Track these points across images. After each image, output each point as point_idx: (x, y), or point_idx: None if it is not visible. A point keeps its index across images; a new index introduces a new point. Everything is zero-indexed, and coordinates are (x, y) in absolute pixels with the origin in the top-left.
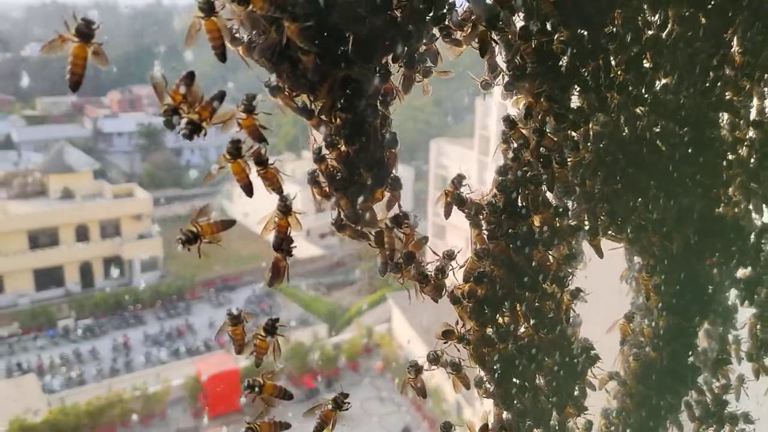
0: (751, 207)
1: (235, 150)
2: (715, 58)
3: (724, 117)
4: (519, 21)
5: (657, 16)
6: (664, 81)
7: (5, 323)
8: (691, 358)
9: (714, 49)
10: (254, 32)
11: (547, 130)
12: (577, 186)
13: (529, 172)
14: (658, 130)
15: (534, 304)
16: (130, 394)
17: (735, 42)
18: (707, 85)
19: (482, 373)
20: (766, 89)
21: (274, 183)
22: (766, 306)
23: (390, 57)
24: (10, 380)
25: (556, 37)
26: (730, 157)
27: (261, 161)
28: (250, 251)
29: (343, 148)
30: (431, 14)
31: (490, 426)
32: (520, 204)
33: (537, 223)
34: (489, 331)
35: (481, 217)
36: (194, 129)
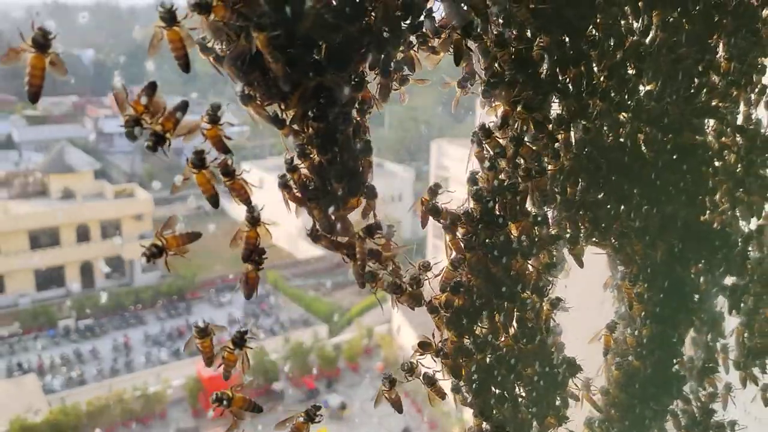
0: (737, 214)
1: (199, 161)
2: (701, 65)
3: (710, 123)
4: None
5: (640, 21)
6: (647, 87)
7: (6, 323)
8: (676, 367)
9: (699, 55)
10: (222, 41)
11: (526, 139)
12: (558, 194)
13: (507, 181)
14: (641, 136)
15: (513, 314)
16: (131, 394)
17: (720, 48)
18: (692, 91)
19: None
20: (752, 95)
21: (241, 194)
22: (753, 314)
23: (366, 65)
24: (11, 380)
25: (535, 43)
26: (717, 164)
27: (227, 172)
28: None
29: (315, 157)
30: (408, 22)
31: None
32: (497, 213)
33: (515, 232)
34: (466, 341)
35: (457, 226)
36: (158, 140)
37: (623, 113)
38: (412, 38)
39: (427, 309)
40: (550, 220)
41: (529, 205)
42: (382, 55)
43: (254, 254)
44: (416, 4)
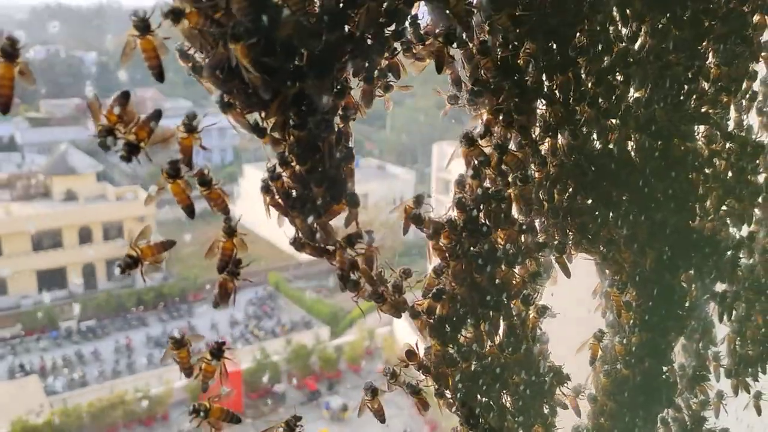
0: (728, 221)
1: (173, 170)
2: (690, 71)
3: (700, 129)
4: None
5: (628, 28)
6: (636, 94)
7: (8, 324)
8: (666, 375)
9: (689, 62)
10: (199, 49)
11: (510, 146)
12: (545, 201)
13: (491, 189)
14: (630, 143)
15: (498, 322)
16: (133, 395)
17: (710, 54)
18: (681, 98)
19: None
20: (743, 101)
21: (219, 203)
22: (745, 321)
23: (349, 72)
24: (13, 381)
25: (521, 50)
26: (707, 170)
27: (204, 182)
28: (254, 253)
29: (296, 166)
30: (391, 28)
31: None
32: (481, 222)
33: (501, 239)
34: (451, 349)
35: (440, 234)
36: (132, 150)
37: (611, 120)
38: (397, 45)
39: (409, 314)
40: (537, 228)
41: (515, 212)
42: (366, 63)
43: (230, 265)
44: (400, 10)
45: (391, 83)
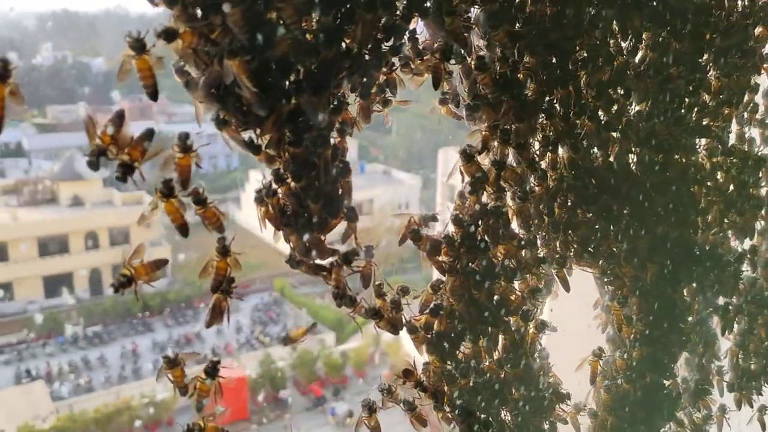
0: (730, 234)
1: (167, 189)
2: (691, 84)
3: (701, 142)
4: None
5: (628, 41)
6: (637, 107)
7: (15, 330)
8: (667, 390)
9: (690, 75)
10: (194, 66)
11: (509, 162)
12: (545, 215)
13: (490, 205)
14: (631, 156)
15: (497, 338)
16: (138, 401)
17: (711, 67)
18: (682, 111)
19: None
20: (745, 113)
21: (214, 222)
22: (748, 334)
23: (346, 88)
24: (19, 387)
25: (520, 64)
26: (708, 183)
27: (199, 200)
28: (259, 259)
29: (291, 183)
30: (389, 44)
31: None
32: (479, 238)
33: (500, 254)
34: (449, 366)
35: (439, 251)
36: (126, 171)
37: (612, 133)
38: (395, 60)
39: (407, 329)
40: (538, 242)
41: (515, 227)
42: (363, 78)
43: (224, 284)
44: (398, 26)
45: (389, 98)
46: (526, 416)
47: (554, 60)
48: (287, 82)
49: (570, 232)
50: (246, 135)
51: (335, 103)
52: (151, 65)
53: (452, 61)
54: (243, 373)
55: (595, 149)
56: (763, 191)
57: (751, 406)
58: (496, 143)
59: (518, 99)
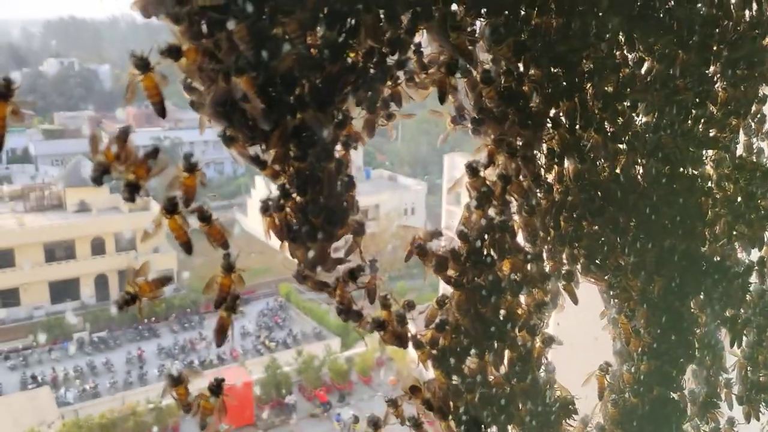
0: (737, 246)
1: (171, 206)
2: (698, 96)
3: (709, 153)
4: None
5: (634, 53)
6: (643, 119)
7: (21, 335)
8: (675, 403)
9: (698, 87)
10: (200, 83)
11: (513, 177)
12: (551, 228)
13: (496, 219)
14: (637, 168)
15: (503, 353)
16: (144, 407)
17: (718, 78)
18: (689, 122)
19: None
20: (752, 124)
21: (218, 239)
22: (756, 347)
23: (351, 102)
24: (25, 393)
25: (526, 77)
26: (716, 194)
27: (204, 217)
28: (264, 264)
29: (297, 197)
30: (394, 58)
31: None
32: (485, 252)
33: (506, 269)
34: (455, 380)
35: (446, 266)
36: (133, 190)
37: (619, 145)
38: (399, 74)
39: (412, 344)
40: (544, 255)
41: (521, 241)
42: (368, 92)
43: (228, 301)
44: (403, 40)
45: (393, 112)
46: (533, 431)
47: (560, 72)
48: (292, 97)
49: (576, 245)
50: (252, 150)
51: (340, 117)
52: (157, 83)
53: (457, 75)
54: (249, 378)
55: (602, 161)
56: None
57: (758, 420)
58: (502, 157)
59: (524, 112)
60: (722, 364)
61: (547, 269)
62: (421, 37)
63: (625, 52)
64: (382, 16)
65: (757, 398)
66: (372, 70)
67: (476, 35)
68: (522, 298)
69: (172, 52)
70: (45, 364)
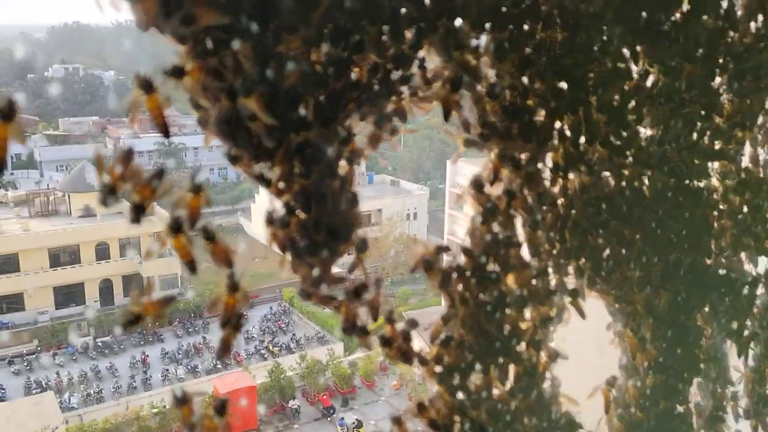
0: (743, 257)
1: (175, 225)
2: (704, 109)
3: (715, 165)
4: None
5: (640, 66)
6: (649, 131)
7: (25, 340)
8: (681, 416)
9: (704, 99)
10: (206, 101)
11: (518, 191)
12: (557, 242)
13: (501, 234)
14: (643, 180)
15: (508, 368)
16: (148, 411)
17: (723, 90)
18: (695, 135)
19: None
20: (759, 135)
21: (223, 258)
22: (764, 359)
23: (355, 118)
24: (29, 398)
25: (531, 92)
26: (722, 206)
27: (210, 236)
28: (268, 269)
29: (301, 214)
30: (399, 73)
31: None
32: (489, 268)
33: (512, 283)
34: (460, 396)
35: (450, 281)
36: (139, 211)
37: (624, 158)
38: (403, 89)
39: (418, 361)
40: (549, 271)
41: (525, 254)
42: (373, 108)
43: (232, 319)
44: (407, 55)
45: (396, 127)
46: None
47: (565, 86)
48: (297, 115)
49: (582, 258)
50: (257, 167)
51: (344, 134)
52: (160, 104)
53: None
54: (252, 382)
55: (607, 174)
56: None
57: None
58: (506, 171)
59: (528, 126)
60: (728, 377)
61: (552, 283)
62: (426, 51)
63: (630, 65)
64: (385, 31)
65: (764, 411)
66: (376, 86)
67: (480, 50)
68: (527, 313)
69: (176, 73)
70: (49, 369)
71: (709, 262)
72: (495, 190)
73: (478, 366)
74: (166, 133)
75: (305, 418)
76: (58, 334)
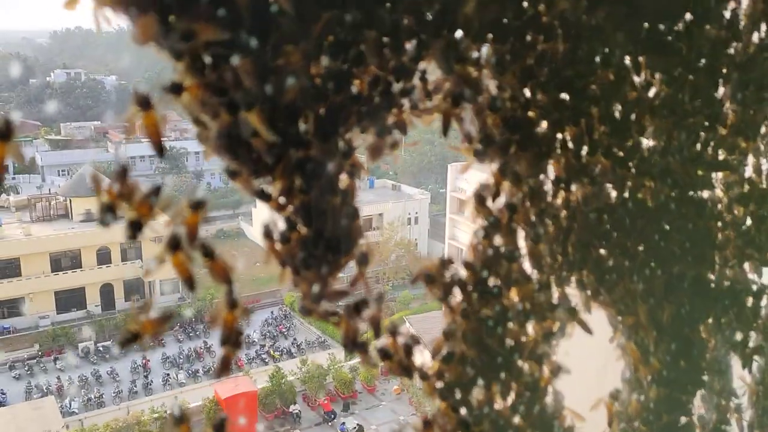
0: (746, 267)
1: (174, 243)
2: (707, 119)
3: (718, 176)
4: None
5: (642, 77)
6: (651, 142)
7: (26, 345)
8: (685, 430)
9: (707, 110)
10: (206, 116)
11: (519, 205)
12: (559, 255)
13: (503, 249)
14: (645, 191)
15: (510, 383)
16: (149, 416)
17: (727, 100)
18: (698, 146)
19: None
20: (762, 145)
21: (222, 276)
22: (767, 371)
23: (355, 131)
24: (30, 402)
25: (533, 102)
26: (726, 217)
27: (208, 253)
28: (269, 274)
29: (302, 230)
30: (399, 85)
31: None
32: (491, 283)
33: (515, 297)
34: (462, 412)
35: (452, 295)
36: (136, 229)
37: (627, 169)
38: (404, 101)
39: (419, 376)
40: (552, 285)
41: (528, 267)
42: (373, 121)
43: (232, 336)
44: (407, 67)
45: (397, 140)
46: None
47: (567, 97)
48: (296, 129)
49: (584, 271)
50: (257, 182)
51: (345, 148)
52: (158, 121)
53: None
54: (253, 387)
55: (610, 186)
56: None
57: None
58: (507, 184)
59: (530, 138)
60: (732, 389)
61: (555, 296)
62: (427, 63)
63: (632, 75)
64: (386, 43)
65: None
66: (377, 99)
67: (482, 62)
68: (529, 328)
69: (175, 89)
70: (50, 374)
71: (712, 273)
72: (497, 204)
73: (480, 381)
74: (160, 152)
75: (306, 422)
76: (59, 339)
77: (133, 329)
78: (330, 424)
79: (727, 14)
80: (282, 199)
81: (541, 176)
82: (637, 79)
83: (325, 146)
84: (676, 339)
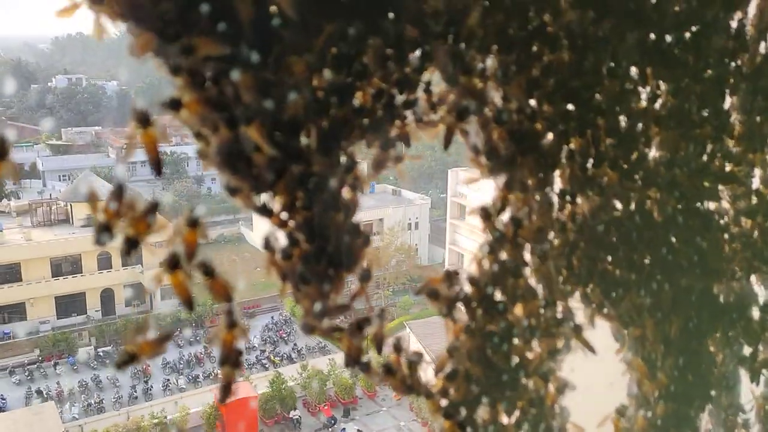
0: (754, 280)
1: (172, 262)
2: (714, 130)
3: (726, 188)
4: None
5: (649, 88)
6: (658, 154)
7: (26, 350)
8: None
9: (714, 121)
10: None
11: (525, 219)
12: (564, 268)
13: (508, 264)
14: (651, 203)
15: (515, 401)
16: (149, 421)
17: (734, 110)
18: (705, 158)
19: None
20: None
21: (222, 294)
22: None
23: (358, 145)
24: (30, 408)
25: (539, 114)
26: (733, 229)
27: (208, 272)
28: (270, 279)
29: (304, 245)
30: (403, 98)
31: None
32: (496, 299)
33: (520, 313)
34: (468, 431)
35: (456, 311)
36: (131, 245)
37: (633, 181)
38: (407, 113)
39: (423, 394)
40: (558, 301)
41: (533, 283)
42: (377, 134)
43: (231, 356)
44: (411, 79)
45: (401, 154)
46: None
47: (573, 109)
48: (298, 143)
49: (590, 285)
50: (258, 198)
51: (347, 162)
52: (156, 139)
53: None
54: (254, 392)
55: (615, 197)
56: None
57: None
58: (513, 197)
59: (536, 151)
60: (739, 404)
61: (560, 310)
62: (431, 74)
63: (639, 86)
64: (389, 54)
65: None
66: (380, 112)
67: (487, 73)
68: (535, 344)
69: (173, 105)
70: (50, 379)
71: (720, 286)
72: (503, 218)
73: (484, 399)
74: (158, 170)
75: (306, 428)
76: (60, 344)
77: (131, 351)
78: (330, 429)
79: (734, 24)
80: (284, 215)
81: (547, 189)
82: (643, 90)
83: (327, 160)
84: (684, 353)
